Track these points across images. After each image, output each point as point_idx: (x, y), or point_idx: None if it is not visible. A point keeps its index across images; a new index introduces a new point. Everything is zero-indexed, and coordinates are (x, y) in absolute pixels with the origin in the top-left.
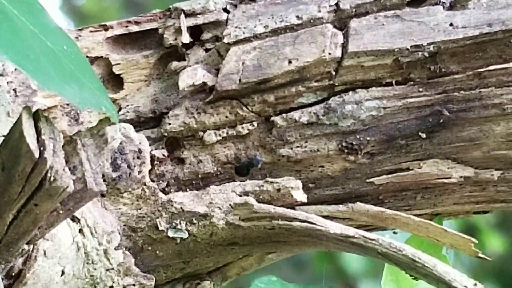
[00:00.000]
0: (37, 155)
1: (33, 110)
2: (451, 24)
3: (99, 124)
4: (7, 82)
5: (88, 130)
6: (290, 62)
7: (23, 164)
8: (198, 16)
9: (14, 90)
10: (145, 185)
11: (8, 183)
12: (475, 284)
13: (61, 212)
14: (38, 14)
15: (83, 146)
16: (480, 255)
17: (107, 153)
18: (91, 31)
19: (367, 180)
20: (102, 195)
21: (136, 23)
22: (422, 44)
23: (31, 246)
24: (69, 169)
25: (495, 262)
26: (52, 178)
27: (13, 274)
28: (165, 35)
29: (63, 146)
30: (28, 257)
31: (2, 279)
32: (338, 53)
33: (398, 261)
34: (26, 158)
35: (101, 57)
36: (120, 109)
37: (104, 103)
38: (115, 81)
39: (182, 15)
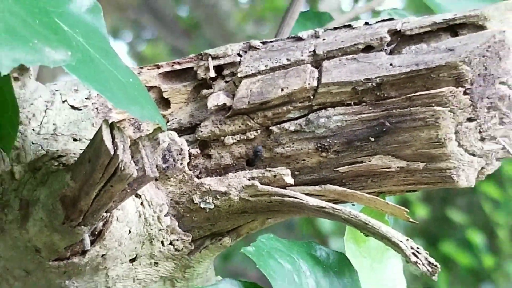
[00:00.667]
0: (112, 153)
1: (110, 122)
2: (391, 64)
3: (154, 131)
4: (92, 103)
5: (146, 135)
6: (282, 89)
7: (103, 158)
8: (220, 58)
9: (97, 108)
10: (185, 172)
11: (92, 171)
12: (407, 239)
13: (128, 191)
14: (113, 57)
15: (143, 146)
16: (410, 220)
17: (159, 151)
18: (148, 69)
19: (335, 169)
20: (156, 179)
21: (179, 63)
22: (371, 78)
23: (108, 214)
24: (134, 162)
25: (421, 225)
26: (122, 168)
27: (96, 233)
28: (198, 72)
29: (129, 146)
30: (106, 221)
31: (88, 236)
32: (314, 83)
33: (355, 224)
34: (104, 155)
35: (155, 86)
36: (168, 121)
37: (157, 117)
38: (164, 103)
39: (210, 58)
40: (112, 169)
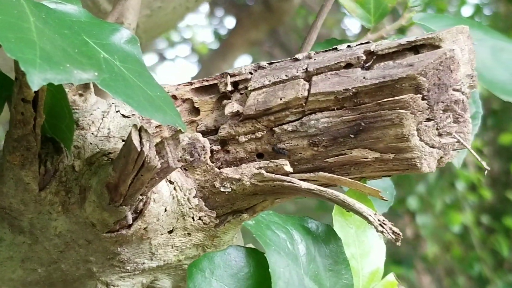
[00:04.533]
0: (139, 150)
1: (138, 126)
2: (364, 77)
3: (176, 133)
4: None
5: (170, 136)
6: (281, 99)
7: (133, 154)
8: (236, 76)
9: (142, 116)
10: (207, 164)
11: (126, 164)
12: (375, 213)
13: (157, 178)
14: (145, 77)
15: (168, 144)
16: (384, 198)
17: (180, 148)
18: (184, 85)
19: (325, 160)
20: (185, 169)
21: (207, 80)
22: (349, 88)
23: (145, 196)
24: (160, 156)
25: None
26: (148, 161)
27: (138, 211)
28: (220, 87)
29: (156, 144)
30: (145, 202)
31: (131, 213)
32: (306, 94)
33: (337, 202)
34: (134, 151)
35: (189, 98)
36: (198, 125)
37: (179, 122)
38: (195, 111)
39: (228, 76)
40: (140, 162)
